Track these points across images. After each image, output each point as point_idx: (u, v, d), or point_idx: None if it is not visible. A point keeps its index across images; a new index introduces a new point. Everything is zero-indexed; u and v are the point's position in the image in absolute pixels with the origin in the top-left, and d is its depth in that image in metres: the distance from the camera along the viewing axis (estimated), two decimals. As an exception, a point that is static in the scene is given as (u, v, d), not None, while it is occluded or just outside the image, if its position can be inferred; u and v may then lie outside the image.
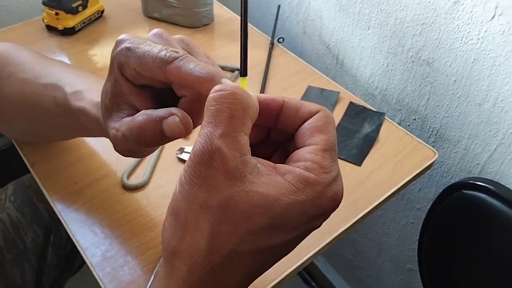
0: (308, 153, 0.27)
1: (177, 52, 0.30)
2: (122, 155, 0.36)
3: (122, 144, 0.33)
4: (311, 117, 0.29)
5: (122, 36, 0.33)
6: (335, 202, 0.27)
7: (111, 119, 0.34)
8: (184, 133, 0.31)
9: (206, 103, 0.26)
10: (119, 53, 0.32)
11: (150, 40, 0.32)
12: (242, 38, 0.34)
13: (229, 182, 0.25)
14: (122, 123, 0.33)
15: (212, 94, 0.26)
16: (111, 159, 0.59)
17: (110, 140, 0.34)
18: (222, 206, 0.25)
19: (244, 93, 0.27)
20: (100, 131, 0.41)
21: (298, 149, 0.29)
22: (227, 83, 0.28)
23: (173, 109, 0.31)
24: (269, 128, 0.33)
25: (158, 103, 0.35)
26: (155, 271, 0.28)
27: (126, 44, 0.32)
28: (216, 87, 0.26)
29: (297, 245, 0.28)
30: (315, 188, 0.26)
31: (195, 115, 0.33)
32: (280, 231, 0.26)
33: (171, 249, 0.26)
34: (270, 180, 0.26)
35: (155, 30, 0.34)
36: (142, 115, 0.32)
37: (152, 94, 0.34)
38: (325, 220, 0.28)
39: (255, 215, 0.25)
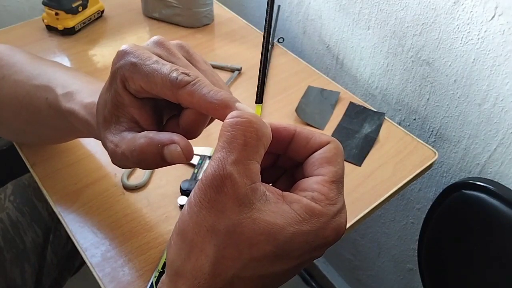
0: (315, 184, 0.28)
1: (188, 75, 0.29)
2: (120, 167, 0.36)
3: (121, 161, 0.33)
4: (321, 147, 0.30)
5: (124, 48, 0.32)
6: (337, 233, 0.28)
7: (109, 130, 0.33)
8: (185, 161, 0.31)
9: (221, 127, 0.27)
10: (123, 67, 0.31)
11: (151, 51, 0.32)
12: (261, 69, 0.35)
13: (238, 208, 0.25)
14: (121, 139, 0.32)
15: (228, 120, 0.26)
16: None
17: (108, 153, 0.34)
18: (228, 231, 0.25)
19: (260, 121, 0.27)
20: (89, 132, 0.41)
21: (305, 177, 0.29)
22: (242, 108, 0.28)
23: (175, 137, 0.30)
24: (278, 154, 0.33)
25: (159, 114, 0.35)
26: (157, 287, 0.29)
27: (131, 59, 0.31)
28: (233, 113, 0.27)
29: (297, 272, 0.29)
30: (320, 219, 0.27)
31: (199, 125, 0.33)
32: (282, 259, 0.26)
33: (175, 268, 0.27)
34: (277, 208, 0.26)
35: (155, 38, 0.33)
36: (144, 138, 0.31)
37: (153, 105, 0.34)
38: (326, 249, 0.29)
39: (260, 242, 0.25)
